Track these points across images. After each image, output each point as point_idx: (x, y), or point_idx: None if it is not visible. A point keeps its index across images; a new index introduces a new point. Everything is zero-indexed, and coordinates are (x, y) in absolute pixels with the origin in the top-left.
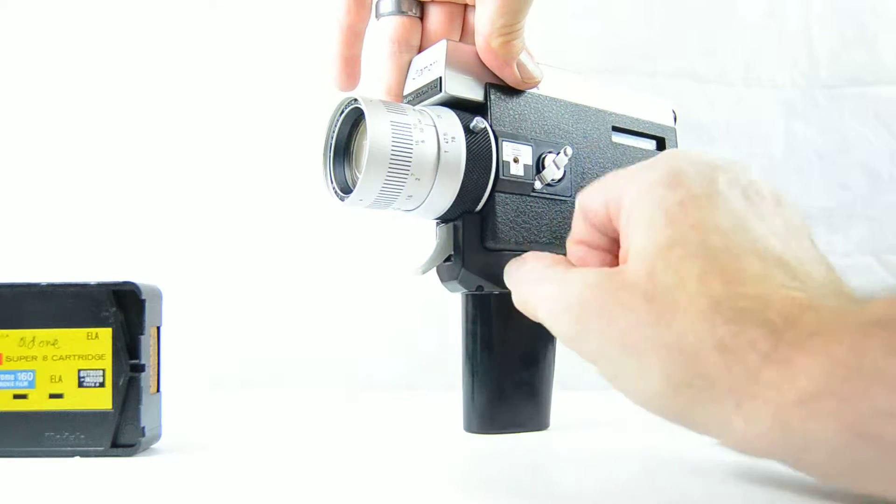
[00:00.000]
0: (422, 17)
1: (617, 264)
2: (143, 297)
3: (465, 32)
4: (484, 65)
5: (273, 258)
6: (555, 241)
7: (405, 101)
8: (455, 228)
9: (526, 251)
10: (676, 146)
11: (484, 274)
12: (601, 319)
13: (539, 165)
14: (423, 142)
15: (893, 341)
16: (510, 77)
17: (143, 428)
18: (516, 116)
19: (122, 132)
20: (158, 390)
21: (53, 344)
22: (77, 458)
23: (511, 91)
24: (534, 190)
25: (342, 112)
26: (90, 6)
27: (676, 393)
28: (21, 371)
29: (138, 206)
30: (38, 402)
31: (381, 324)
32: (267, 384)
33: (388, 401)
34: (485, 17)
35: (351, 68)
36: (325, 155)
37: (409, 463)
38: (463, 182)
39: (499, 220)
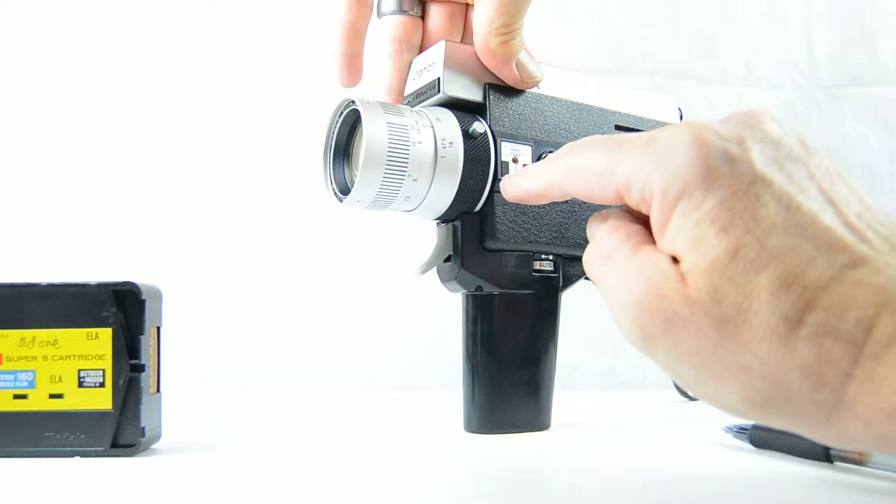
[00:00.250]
0: (423, 17)
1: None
2: (143, 297)
3: (467, 32)
4: (483, 65)
5: (273, 258)
6: (555, 241)
7: (405, 101)
8: (454, 229)
9: (526, 251)
10: None
11: (483, 274)
12: (668, 336)
13: None
14: (419, 143)
15: None
16: (509, 76)
17: (143, 428)
18: (516, 116)
19: (122, 132)
20: (158, 390)
21: (53, 344)
22: (77, 458)
23: (510, 91)
24: None
25: (341, 113)
26: (90, 6)
27: (759, 410)
28: (21, 371)
29: (138, 206)
30: (38, 402)
31: (380, 324)
32: (267, 384)
33: (388, 401)
34: (483, 16)
35: (353, 65)
36: (324, 156)
37: (409, 463)
38: (461, 183)
39: (498, 220)
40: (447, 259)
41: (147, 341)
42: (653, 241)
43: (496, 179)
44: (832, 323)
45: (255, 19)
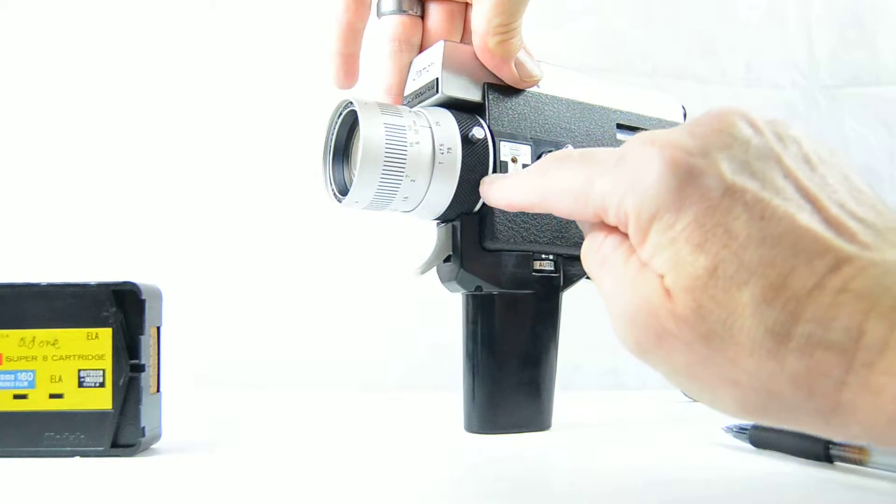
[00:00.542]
0: (423, 17)
1: None
2: (143, 297)
3: (467, 32)
4: (482, 65)
5: (273, 259)
6: (555, 241)
7: (405, 102)
8: (454, 229)
9: (525, 251)
10: None
11: (483, 274)
12: (660, 349)
13: None
14: (417, 143)
15: None
16: (508, 76)
17: (143, 428)
18: (515, 116)
19: (122, 132)
20: (158, 390)
21: (53, 344)
22: (77, 458)
23: (510, 90)
24: None
25: (340, 114)
26: (90, 6)
27: (756, 415)
28: (21, 371)
29: (138, 206)
30: (38, 402)
31: (380, 324)
32: (267, 384)
33: (388, 401)
34: (481, 16)
35: (349, 66)
36: (324, 156)
37: (409, 463)
38: (459, 183)
39: (497, 220)
40: (447, 259)
41: (147, 341)
42: (622, 246)
43: None
44: (820, 334)
45: (255, 19)
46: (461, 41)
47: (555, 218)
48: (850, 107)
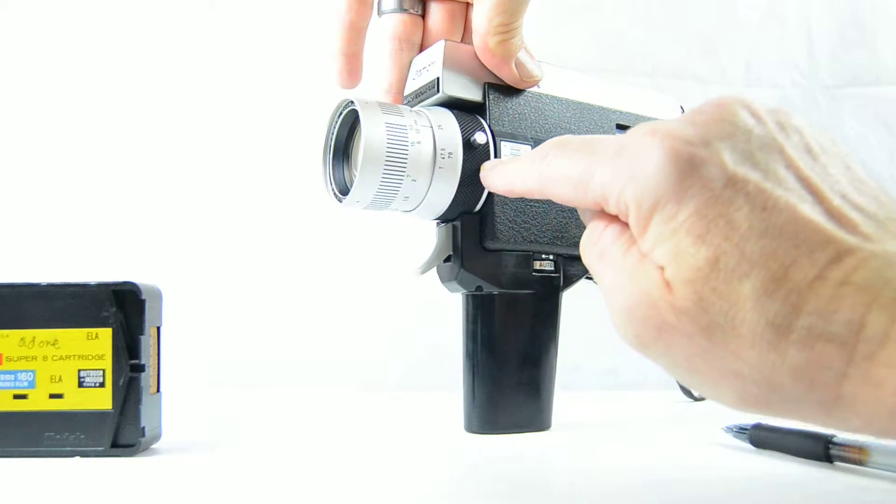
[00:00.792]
0: (423, 16)
1: None
2: (143, 297)
3: (467, 31)
4: (483, 64)
5: (273, 258)
6: (555, 241)
7: (405, 101)
8: (454, 229)
9: (526, 251)
10: None
11: (483, 274)
12: (660, 342)
13: None
14: (419, 143)
15: None
16: (508, 76)
17: (143, 428)
18: (515, 116)
19: (122, 132)
20: (158, 390)
21: (53, 344)
22: (77, 458)
23: (510, 90)
24: None
25: (340, 114)
26: (90, 6)
27: (757, 408)
28: (21, 371)
29: (138, 206)
30: (38, 402)
31: (380, 324)
32: (266, 384)
33: (388, 401)
34: (482, 15)
35: (352, 65)
36: (324, 156)
37: (409, 463)
38: (460, 183)
39: (497, 220)
40: (447, 259)
41: (147, 341)
42: (622, 237)
43: None
44: (821, 326)
45: (255, 19)
46: (461, 41)
47: (555, 218)
48: (850, 107)
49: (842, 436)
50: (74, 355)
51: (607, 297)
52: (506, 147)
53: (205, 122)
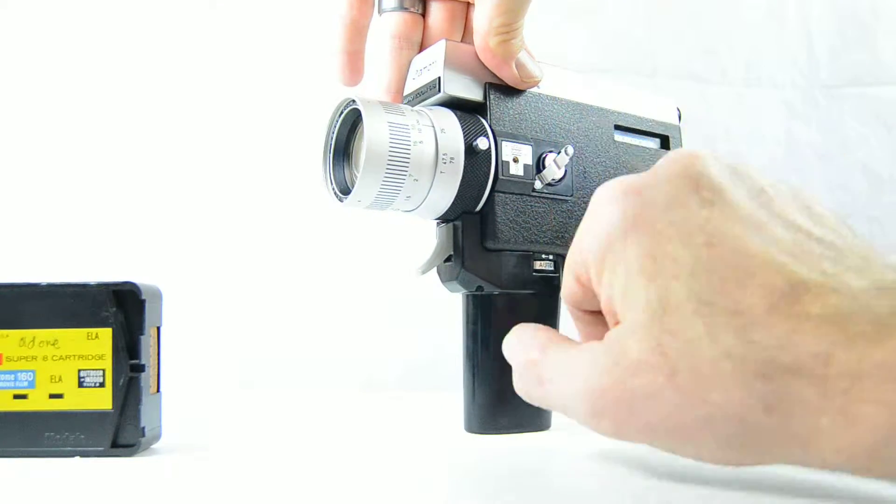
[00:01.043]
0: (424, 15)
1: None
2: (143, 297)
3: (468, 31)
4: (483, 64)
5: (273, 258)
6: (556, 241)
7: (405, 101)
8: (455, 228)
9: (526, 251)
10: (681, 145)
11: (484, 274)
12: (633, 417)
13: (539, 165)
14: (421, 142)
15: None
16: (509, 76)
17: (143, 428)
18: (516, 116)
19: (122, 132)
20: (158, 390)
21: (53, 344)
22: (77, 458)
23: (511, 90)
24: (534, 190)
25: (341, 113)
26: (90, 6)
27: (740, 452)
28: (21, 371)
29: (138, 206)
30: (38, 402)
31: (380, 324)
32: (267, 384)
33: (388, 401)
34: (483, 16)
35: (354, 64)
36: (324, 156)
37: (409, 463)
38: (462, 182)
39: (498, 220)
40: (447, 259)
41: (147, 341)
42: (565, 339)
43: (497, 179)
44: (783, 358)
45: (255, 19)
46: (461, 41)
47: (555, 218)
48: (850, 107)
49: None
50: (74, 355)
51: (568, 411)
52: (507, 147)
53: (205, 121)
